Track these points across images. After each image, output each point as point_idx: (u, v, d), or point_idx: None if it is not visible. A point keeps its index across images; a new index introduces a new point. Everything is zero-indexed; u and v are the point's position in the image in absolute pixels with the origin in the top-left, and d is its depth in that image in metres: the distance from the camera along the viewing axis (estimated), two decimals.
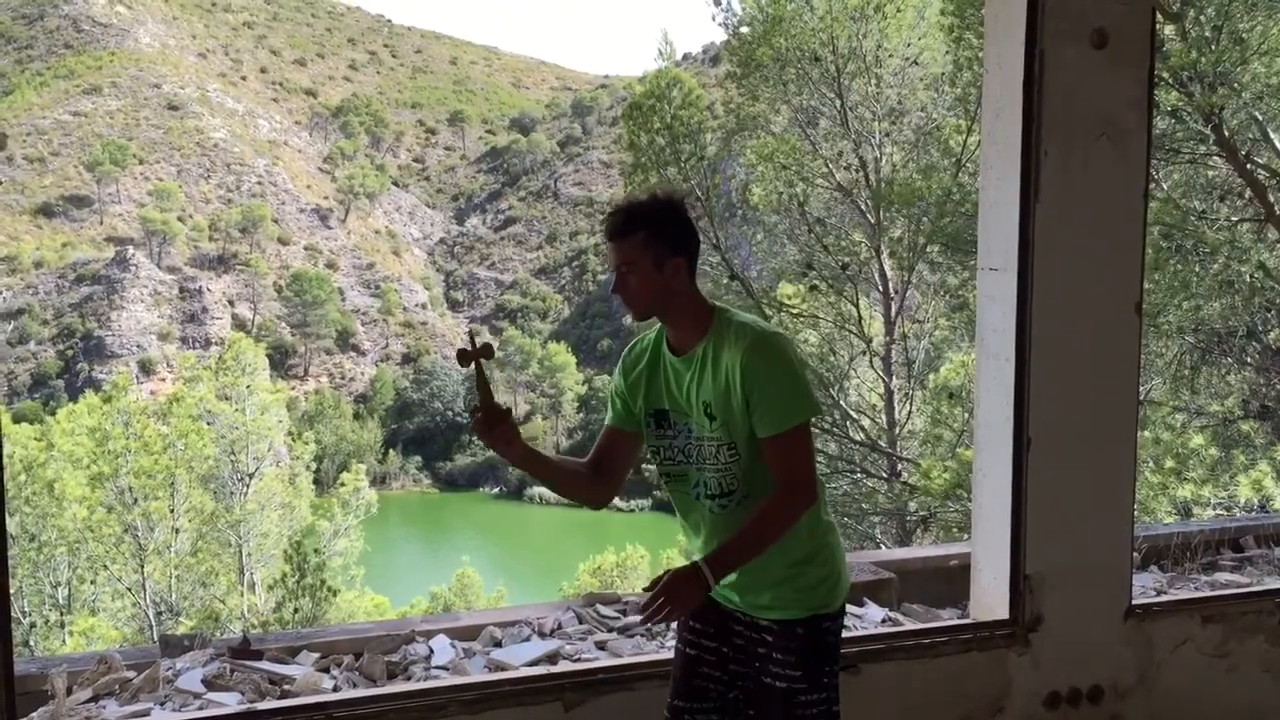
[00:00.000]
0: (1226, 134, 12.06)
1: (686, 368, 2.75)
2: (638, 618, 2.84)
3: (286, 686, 3.63)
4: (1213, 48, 11.48)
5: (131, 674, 3.71)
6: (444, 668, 3.81)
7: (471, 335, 2.85)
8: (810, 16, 18.66)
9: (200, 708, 3.46)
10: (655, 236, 2.68)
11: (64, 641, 23.52)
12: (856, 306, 18.35)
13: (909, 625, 4.09)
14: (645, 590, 2.68)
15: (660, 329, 2.84)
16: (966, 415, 15.37)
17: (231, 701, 3.48)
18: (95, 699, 3.57)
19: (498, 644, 4.05)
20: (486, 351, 2.68)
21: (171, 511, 26.67)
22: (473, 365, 2.66)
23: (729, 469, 2.73)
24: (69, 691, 3.54)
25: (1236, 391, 13.75)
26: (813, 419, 2.72)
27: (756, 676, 2.81)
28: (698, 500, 2.81)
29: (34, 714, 3.39)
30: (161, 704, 3.53)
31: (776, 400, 2.64)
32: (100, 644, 21.69)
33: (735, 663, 2.87)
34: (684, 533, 2.92)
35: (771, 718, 2.80)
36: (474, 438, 2.76)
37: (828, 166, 19.15)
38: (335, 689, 3.61)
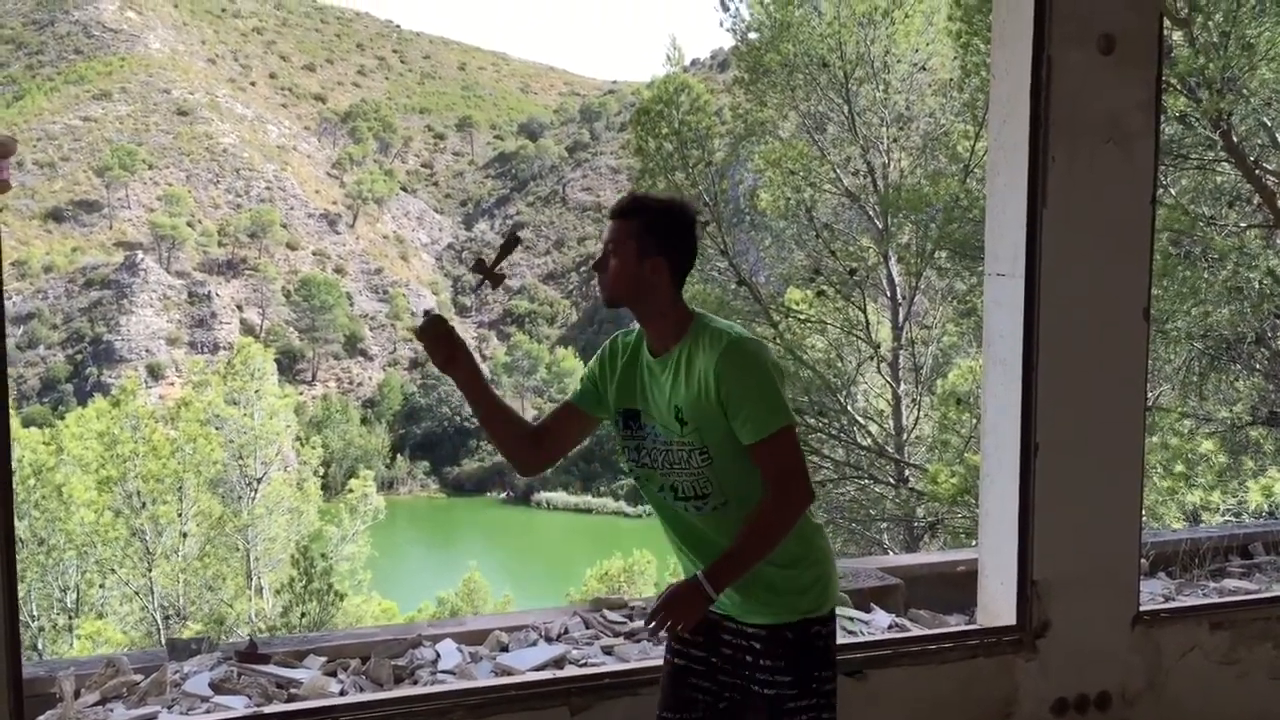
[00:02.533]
0: (1235, 139, 12.05)
1: (661, 370, 2.75)
2: (644, 628, 2.85)
3: (293, 690, 3.64)
4: (1221, 53, 11.47)
5: (139, 677, 3.72)
6: (450, 672, 3.81)
7: (515, 227, 2.92)
8: (818, 22, 18.69)
9: (207, 711, 3.48)
10: (647, 229, 2.72)
11: (71, 645, 23.57)
12: (864, 312, 18.36)
13: (916, 631, 4.09)
14: (649, 610, 2.72)
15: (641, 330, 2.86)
16: (974, 421, 15.34)
17: (239, 705, 3.49)
18: (103, 702, 3.59)
19: (504, 649, 4.06)
20: (497, 280, 2.84)
21: (179, 515, 26.71)
22: (482, 279, 2.85)
23: (701, 473, 2.71)
24: (77, 694, 3.55)
25: (1245, 398, 13.71)
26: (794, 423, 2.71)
27: (745, 686, 2.78)
28: (667, 503, 2.80)
29: (41, 717, 3.40)
30: (169, 707, 3.54)
31: (756, 406, 2.63)
32: (106, 648, 21.72)
33: (723, 673, 2.84)
34: (667, 538, 2.90)
35: None
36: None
37: (835, 172, 19.17)
38: (342, 693, 3.62)
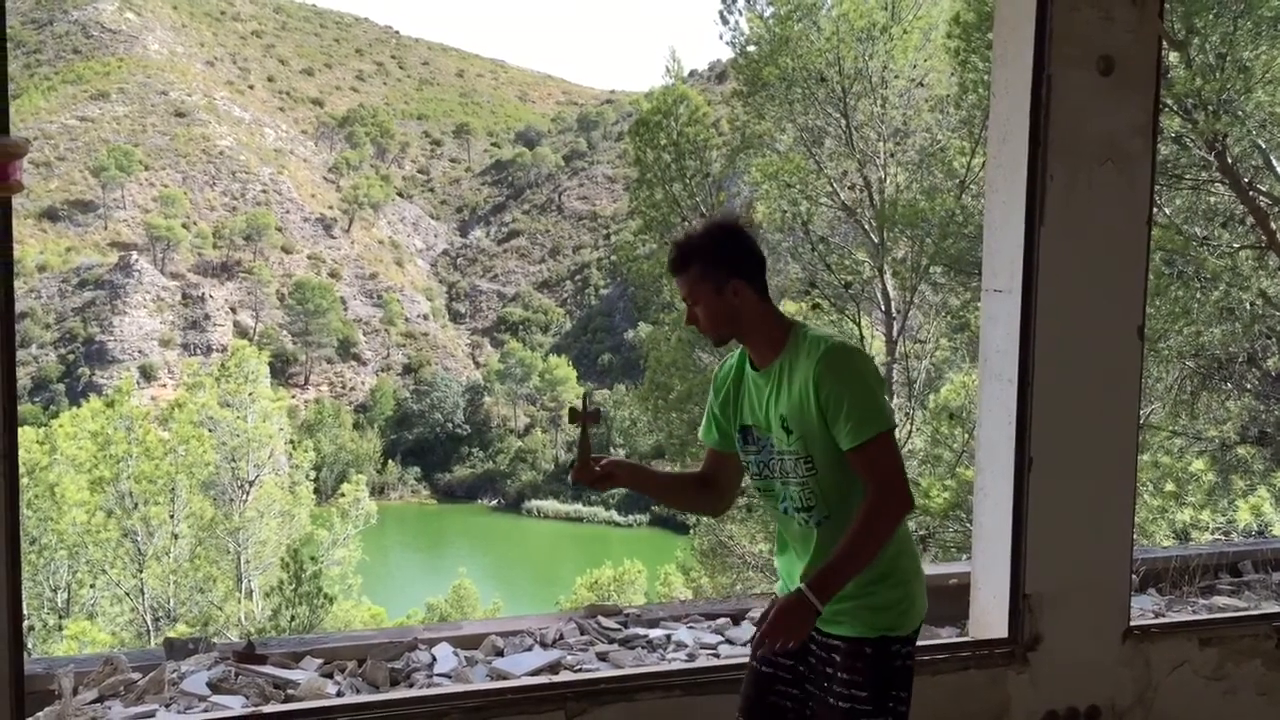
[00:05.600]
0: (1229, 161, 12.12)
1: (765, 383, 2.80)
2: (753, 649, 2.84)
3: (290, 691, 3.66)
4: (1217, 75, 11.55)
5: (137, 676, 3.74)
6: (446, 675, 3.84)
7: (586, 397, 3.06)
8: (817, 37, 18.76)
9: (205, 710, 3.49)
10: (709, 265, 2.76)
11: (61, 644, 23.50)
12: (858, 325, 18.41)
13: None
14: (755, 624, 2.74)
15: (743, 347, 2.90)
16: (966, 436, 15.40)
17: (236, 705, 3.51)
18: (101, 700, 3.60)
19: (499, 653, 4.08)
20: (594, 417, 2.91)
21: (171, 517, 26.63)
22: (579, 425, 2.90)
23: (806, 483, 2.75)
24: (75, 692, 3.57)
25: (1236, 417, 13.77)
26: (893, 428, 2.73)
27: (823, 697, 2.79)
28: (786, 515, 2.84)
29: (40, 714, 3.42)
30: (166, 706, 3.56)
31: (853, 412, 2.65)
32: (92, 648, 21.63)
33: (810, 682, 2.85)
34: (778, 548, 2.98)
35: None
36: (567, 479, 2.95)
37: (832, 186, 19.22)
38: (339, 694, 3.64)
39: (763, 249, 2.86)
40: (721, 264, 2.76)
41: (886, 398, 2.74)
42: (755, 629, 2.78)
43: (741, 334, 2.82)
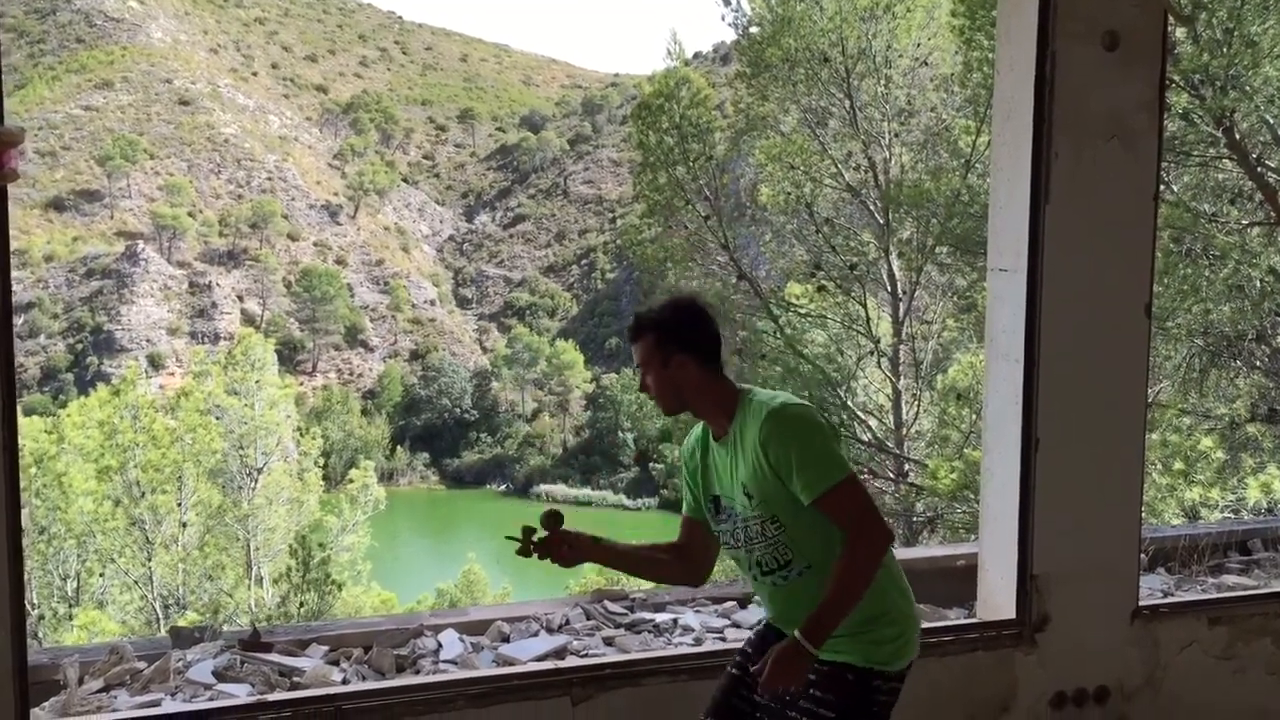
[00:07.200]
0: (1237, 136, 12.03)
1: (725, 452, 2.87)
2: (763, 697, 2.84)
3: (296, 679, 3.65)
4: (1224, 50, 11.46)
5: (142, 665, 3.73)
6: (452, 662, 3.83)
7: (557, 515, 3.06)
8: (820, 17, 18.63)
9: (211, 699, 3.49)
10: (661, 338, 2.85)
11: (71, 633, 23.60)
12: (864, 307, 18.34)
13: None
14: (754, 671, 2.78)
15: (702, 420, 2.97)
16: (974, 416, 15.36)
17: (242, 693, 3.51)
18: (107, 689, 3.60)
19: (505, 639, 4.07)
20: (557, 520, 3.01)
21: (179, 505, 26.71)
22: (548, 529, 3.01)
23: (778, 542, 2.78)
24: (80, 681, 3.57)
25: (1245, 395, 13.71)
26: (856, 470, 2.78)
27: (781, 710, 2.79)
28: (756, 580, 2.89)
29: (46, 703, 3.42)
30: (172, 695, 3.56)
31: (806, 467, 2.70)
32: (102, 637, 21.71)
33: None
34: (758, 600, 3.04)
35: None
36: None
37: (836, 167, 19.13)
38: (344, 681, 3.64)
39: (715, 328, 2.91)
40: (671, 339, 2.84)
41: (837, 446, 2.77)
42: (753, 674, 2.81)
43: (689, 407, 2.90)
